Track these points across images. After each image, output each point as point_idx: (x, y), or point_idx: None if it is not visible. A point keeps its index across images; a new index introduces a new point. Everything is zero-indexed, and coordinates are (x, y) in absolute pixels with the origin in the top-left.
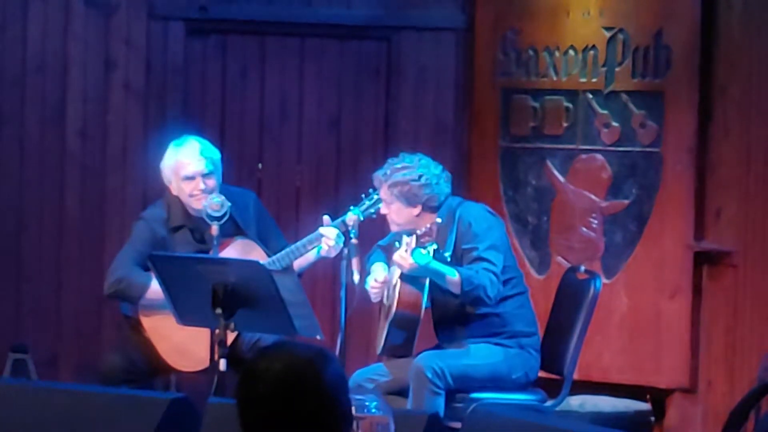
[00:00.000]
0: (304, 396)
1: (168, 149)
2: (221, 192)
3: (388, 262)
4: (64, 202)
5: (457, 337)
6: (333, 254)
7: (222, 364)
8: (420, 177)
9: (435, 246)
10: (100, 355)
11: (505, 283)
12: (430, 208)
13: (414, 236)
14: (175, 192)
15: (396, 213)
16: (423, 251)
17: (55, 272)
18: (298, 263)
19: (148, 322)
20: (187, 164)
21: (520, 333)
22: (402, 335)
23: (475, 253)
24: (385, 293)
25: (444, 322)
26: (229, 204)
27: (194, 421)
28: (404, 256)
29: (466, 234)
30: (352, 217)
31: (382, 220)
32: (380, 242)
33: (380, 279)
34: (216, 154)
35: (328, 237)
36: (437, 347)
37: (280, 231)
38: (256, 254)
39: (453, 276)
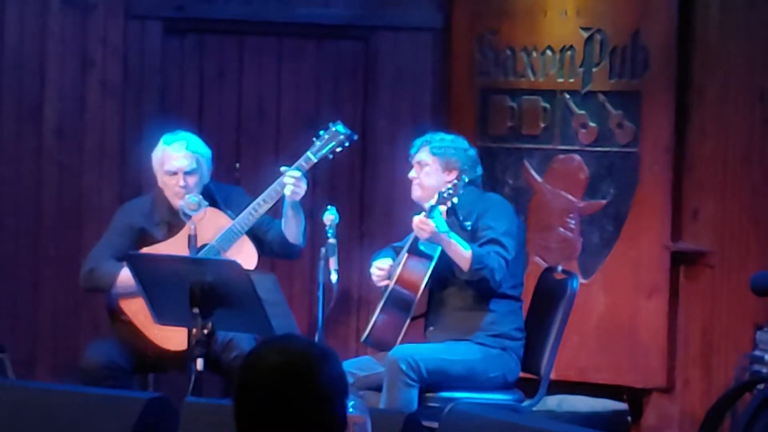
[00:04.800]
0: (297, 391)
1: (160, 140)
2: (211, 188)
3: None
4: (40, 201)
5: (445, 324)
6: (300, 195)
7: (199, 364)
8: (466, 150)
9: (456, 200)
10: (78, 354)
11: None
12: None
13: (436, 196)
14: (160, 185)
15: (428, 175)
16: (443, 207)
17: (32, 271)
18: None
19: (129, 308)
20: (172, 159)
21: (506, 335)
22: (392, 317)
23: (491, 234)
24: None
25: (438, 305)
26: (207, 203)
27: (171, 421)
28: (424, 220)
29: (488, 211)
30: (311, 160)
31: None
32: (395, 244)
33: (384, 265)
34: (204, 151)
35: (291, 177)
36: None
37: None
38: (223, 221)
39: (465, 251)
